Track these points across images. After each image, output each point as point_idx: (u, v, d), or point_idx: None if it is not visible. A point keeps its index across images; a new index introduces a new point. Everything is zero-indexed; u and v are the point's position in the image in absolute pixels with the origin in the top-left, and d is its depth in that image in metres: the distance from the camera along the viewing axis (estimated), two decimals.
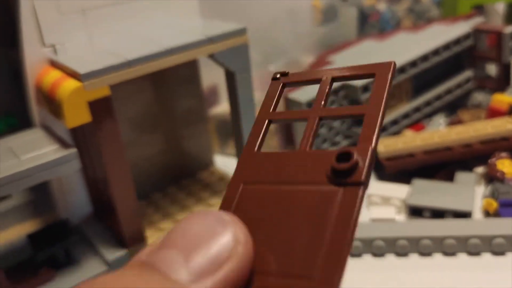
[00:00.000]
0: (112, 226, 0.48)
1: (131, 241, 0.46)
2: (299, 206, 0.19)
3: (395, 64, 0.22)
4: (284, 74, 0.25)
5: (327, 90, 0.23)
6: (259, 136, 0.23)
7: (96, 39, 0.46)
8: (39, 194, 0.54)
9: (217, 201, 0.53)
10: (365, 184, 0.18)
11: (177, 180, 0.59)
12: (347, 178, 0.19)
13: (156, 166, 0.57)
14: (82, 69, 0.39)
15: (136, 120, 0.54)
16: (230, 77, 0.48)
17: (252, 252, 0.18)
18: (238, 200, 0.21)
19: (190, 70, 0.57)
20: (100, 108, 0.40)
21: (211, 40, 0.45)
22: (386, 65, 0.22)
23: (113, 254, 0.45)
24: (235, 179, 0.22)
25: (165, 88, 0.56)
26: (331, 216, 0.18)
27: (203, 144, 0.60)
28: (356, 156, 0.19)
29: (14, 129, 0.47)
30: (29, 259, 0.45)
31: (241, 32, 0.46)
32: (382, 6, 0.94)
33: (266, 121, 0.24)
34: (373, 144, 0.19)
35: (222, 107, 0.67)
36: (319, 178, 0.20)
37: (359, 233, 0.44)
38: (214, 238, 0.17)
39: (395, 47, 0.66)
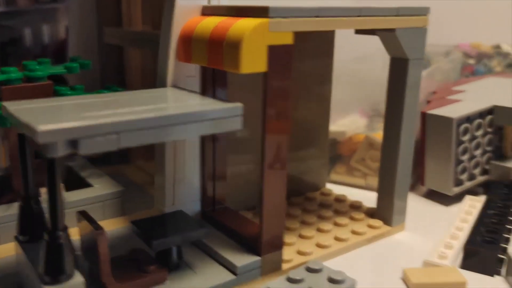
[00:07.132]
0: (239, 226, 0.37)
1: (267, 247, 0.35)
2: None
3: None
4: None
5: None
6: None
7: None
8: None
9: (335, 217, 0.43)
10: None
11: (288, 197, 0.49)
12: None
13: None
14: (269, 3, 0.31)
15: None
16: (401, 63, 0.40)
17: None
18: None
19: (323, 84, 0.49)
20: (280, 58, 0.31)
21: (397, 11, 0.37)
22: None
23: (241, 260, 0.34)
24: None
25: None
26: None
27: (317, 167, 0.51)
28: None
29: None
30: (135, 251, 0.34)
31: (424, 11, 0.39)
32: (472, 62, 0.89)
33: None
34: None
35: (334, 126, 0.57)
36: None
37: None
38: None
39: None
